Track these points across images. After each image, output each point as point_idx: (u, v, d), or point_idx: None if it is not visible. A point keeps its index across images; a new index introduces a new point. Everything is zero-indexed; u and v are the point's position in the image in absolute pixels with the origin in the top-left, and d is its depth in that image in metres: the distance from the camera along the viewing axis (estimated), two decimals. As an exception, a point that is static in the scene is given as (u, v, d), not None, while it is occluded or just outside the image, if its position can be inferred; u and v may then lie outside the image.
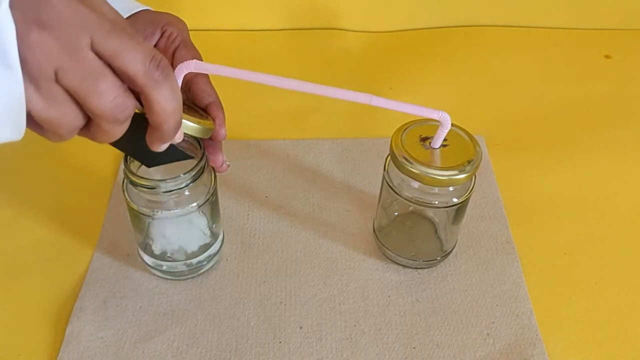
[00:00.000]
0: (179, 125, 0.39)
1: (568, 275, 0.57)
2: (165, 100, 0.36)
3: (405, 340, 0.51)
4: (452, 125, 0.51)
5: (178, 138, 0.43)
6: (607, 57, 0.84)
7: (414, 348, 0.51)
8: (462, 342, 0.51)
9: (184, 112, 0.44)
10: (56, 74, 0.33)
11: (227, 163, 0.53)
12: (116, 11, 0.36)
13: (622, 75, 0.81)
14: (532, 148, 0.69)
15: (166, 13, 0.53)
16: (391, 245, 0.57)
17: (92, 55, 0.33)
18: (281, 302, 0.54)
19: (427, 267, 0.57)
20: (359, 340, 0.51)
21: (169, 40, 0.50)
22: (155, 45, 0.50)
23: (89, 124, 0.37)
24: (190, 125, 0.45)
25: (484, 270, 0.56)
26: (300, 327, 0.52)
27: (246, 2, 0.87)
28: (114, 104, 0.34)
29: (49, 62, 0.32)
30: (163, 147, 0.41)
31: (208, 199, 0.51)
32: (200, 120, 0.46)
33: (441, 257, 0.57)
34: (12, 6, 0.31)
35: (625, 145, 0.70)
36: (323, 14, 0.87)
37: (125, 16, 0.48)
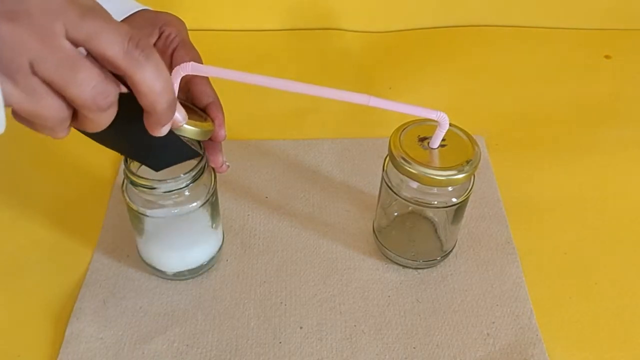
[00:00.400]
0: (172, 104, 0.37)
1: (568, 275, 0.57)
2: (151, 80, 0.35)
3: (405, 340, 0.51)
4: (451, 125, 0.51)
5: (180, 119, 0.42)
6: (607, 57, 0.84)
7: (414, 348, 0.51)
8: (462, 342, 0.51)
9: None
10: (32, 66, 0.32)
11: (227, 164, 0.53)
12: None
13: (622, 75, 0.81)
14: (532, 148, 0.69)
15: (165, 13, 0.52)
16: (391, 245, 0.57)
17: (67, 43, 0.32)
18: (281, 302, 0.54)
19: (427, 267, 0.57)
20: (359, 340, 0.51)
21: (167, 40, 0.50)
22: (153, 45, 0.50)
23: (77, 115, 0.36)
24: (188, 129, 0.45)
25: (484, 271, 0.56)
26: (301, 327, 0.52)
27: (246, 2, 0.87)
28: (94, 92, 0.33)
29: (23, 55, 0.31)
30: (164, 131, 0.40)
31: (208, 199, 0.51)
32: (198, 123, 0.46)
33: (441, 257, 0.57)
34: None
35: (625, 145, 0.70)
36: (323, 14, 0.87)
37: (124, 17, 0.49)
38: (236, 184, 0.64)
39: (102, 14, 0.33)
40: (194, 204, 0.50)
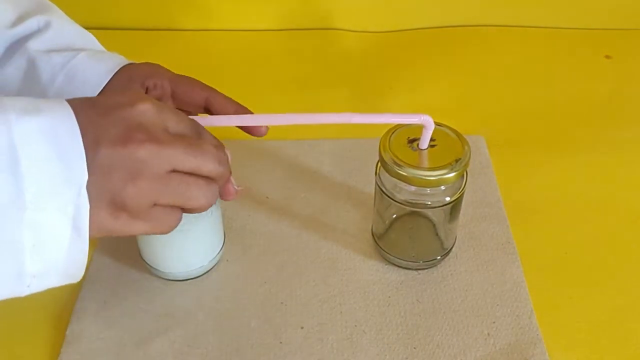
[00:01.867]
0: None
1: (568, 275, 0.57)
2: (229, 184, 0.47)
3: (405, 341, 0.51)
4: (440, 124, 0.51)
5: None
6: (607, 57, 0.84)
7: (414, 348, 0.51)
8: (462, 342, 0.51)
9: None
10: (154, 203, 0.40)
11: (239, 188, 0.54)
12: (175, 113, 0.42)
13: (622, 75, 0.81)
14: (532, 148, 0.69)
15: (143, 65, 0.56)
16: (391, 248, 0.57)
17: (176, 175, 0.40)
18: (282, 303, 0.54)
19: (428, 268, 0.57)
20: (360, 340, 0.51)
21: (157, 88, 0.54)
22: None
23: None
24: None
25: (484, 271, 0.57)
26: (301, 328, 0.52)
27: (245, 2, 0.87)
28: (207, 200, 0.43)
29: (148, 199, 0.39)
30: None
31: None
32: None
33: (441, 257, 0.57)
34: (97, 180, 0.37)
35: (625, 145, 0.70)
36: (323, 14, 0.87)
37: (108, 78, 0.53)
38: (237, 184, 0.64)
39: (195, 143, 0.41)
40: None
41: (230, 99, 0.54)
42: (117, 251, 0.58)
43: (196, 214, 0.51)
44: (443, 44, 0.86)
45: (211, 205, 0.43)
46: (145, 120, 0.39)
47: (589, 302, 0.55)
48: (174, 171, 0.40)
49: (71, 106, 0.38)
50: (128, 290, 0.55)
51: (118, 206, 0.38)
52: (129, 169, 0.38)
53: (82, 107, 0.38)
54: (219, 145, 0.44)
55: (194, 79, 0.55)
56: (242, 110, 0.54)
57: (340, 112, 0.48)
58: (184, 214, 0.50)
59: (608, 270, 0.57)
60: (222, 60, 0.84)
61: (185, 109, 0.54)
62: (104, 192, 0.38)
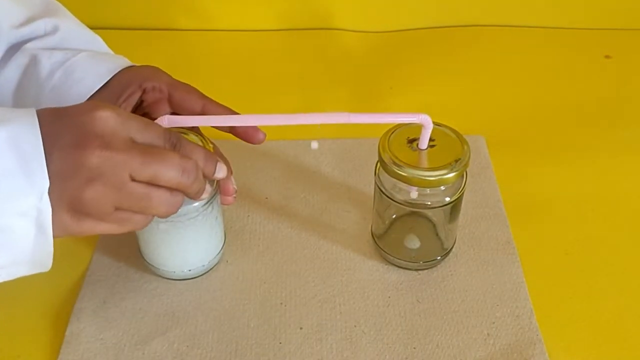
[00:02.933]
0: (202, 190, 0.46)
1: (568, 275, 0.57)
2: (197, 191, 0.45)
3: (405, 341, 0.51)
4: (440, 124, 0.51)
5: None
6: (607, 57, 0.84)
7: (414, 348, 0.51)
8: (462, 343, 0.51)
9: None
10: (116, 207, 0.40)
11: (235, 187, 0.54)
12: (143, 122, 0.42)
13: (622, 75, 0.81)
14: (532, 148, 0.69)
15: (143, 67, 0.56)
16: (391, 249, 0.56)
17: (134, 184, 0.40)
18: (281, 303, 0.54)
19: (428, 268, 0.57)
20: (359, 340, 0.51)
21: (155, 91, 0.54)
22: (141, 99, 0.54)
23: None
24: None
25: (484, 271, 0.56)
26: (301, 328, 0.52)
27: (245, 2, 0.87)
28: (167, 209, 0.43)
29: (108, 205, 0.40)
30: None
31: (210, 200, 0.51)
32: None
33: (441, 257, 0.57)
34: (54, 184, 0.38)
35: (625, 145, 0.70)
36: (323, 14, 0.87)
37: (107, 78, 0.53)
38: (236, 184, 0.64)
39: (156, 152, 0.41)
40: (196, 204, 0.50)
41: (227, 107, 0.54)
42: (116, 251, 0.58)
43: (196, 215, 0.51)
44: (443, 44, 0.86)
45: (172, 214, 0.44)
46: (103, 128, 0.39)
47: (589, 302, 0.55)
48: (135, 179, 0.40)
49: (38, 115, 0.39)
50: (127, 290, 0.55)
51: (79, 210, 0.40)
52: (84, 175, 0.39)
53: (47, 115, 0.40)
54: (191, 155, 0.43)
55: (192, 87, 0.55)
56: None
57: (340, 112, 0.48)
58: (181, 211, 0.50)
59: (608, 270, 0.57)
60: (222, 60, 0.84)
61: (182, 114, 0.54)
62: (63, 196, 0.39)
